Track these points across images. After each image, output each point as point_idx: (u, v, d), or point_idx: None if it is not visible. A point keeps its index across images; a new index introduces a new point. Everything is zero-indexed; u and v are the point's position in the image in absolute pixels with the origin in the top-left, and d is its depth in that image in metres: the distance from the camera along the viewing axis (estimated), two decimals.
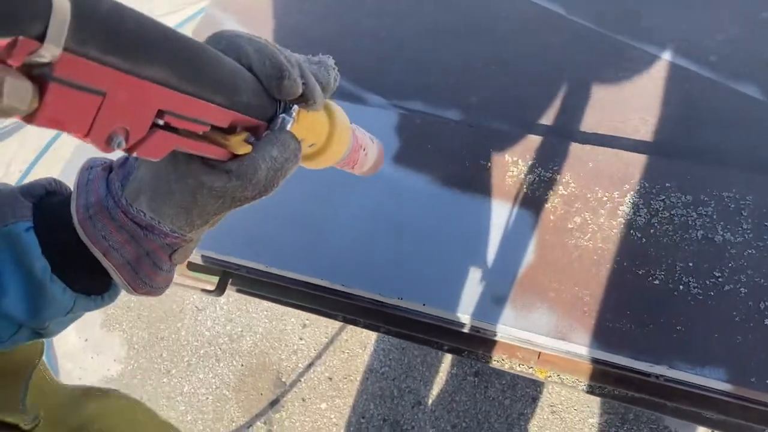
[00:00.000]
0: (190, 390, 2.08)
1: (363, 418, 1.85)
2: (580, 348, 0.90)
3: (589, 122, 1.11)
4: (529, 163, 1.04)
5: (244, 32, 0.42)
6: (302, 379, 1.98)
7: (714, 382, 0.84)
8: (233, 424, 1.98)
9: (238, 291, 1.18)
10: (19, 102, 0.25)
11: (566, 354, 0.95)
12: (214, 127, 0.39)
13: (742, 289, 0.88)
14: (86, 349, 2.27)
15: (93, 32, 0.27)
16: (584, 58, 1.18)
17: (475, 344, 1.05)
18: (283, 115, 0.44)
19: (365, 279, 1.00)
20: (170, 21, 2.99)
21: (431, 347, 1.11)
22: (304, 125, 0.47)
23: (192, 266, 1.17)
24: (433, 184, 1.05)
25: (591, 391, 1.02)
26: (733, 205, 0.94)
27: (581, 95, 1.14)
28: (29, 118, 0.27)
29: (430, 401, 1.80)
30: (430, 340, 1.08)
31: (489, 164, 1.05)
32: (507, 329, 0.93)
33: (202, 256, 1.10)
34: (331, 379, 1.95)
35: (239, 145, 0.41)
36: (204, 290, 1.11)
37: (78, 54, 0.27)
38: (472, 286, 0.96)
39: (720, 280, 0.90)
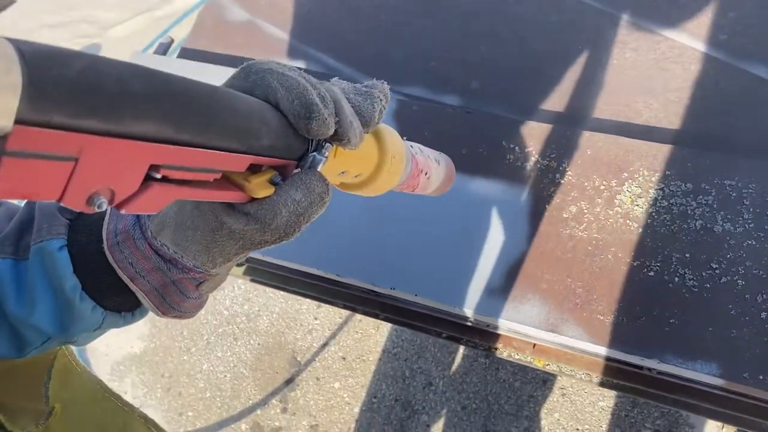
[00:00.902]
0: (209, 368, 2.14)
1: (375, 397, 1.87)
2: (570, 341, 0.89)
3: (591, 107, 1.08)
4: (526, 150, 1.02)
5: (277, 64, 0.39)
6: (316, 359, 2.01)
7: (705, 376, 0.83)
8: (250, 401, 2.03)
9: (242, 276, 1.20)
10: None
11: (558, 346, 0.94)
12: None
13: (739, 281, 0.86)
14: None
15: (57, 101, 0.24)
16: (588, 39, 1.14)
17: (472, 333, 1.05)
18: (314, 153, 0.40)
19: (359, 269, 1.01)
20: (180, 5, 3.00)
21: (430, 335, 1.11)
22: (344, 159, 0.45)
23: None
24: None
25: (589, 380, 1.02)
26: (734, 194, 0.91)
27: (584, 79, 1.11)
28: None
29: (441, 382, 1.81)
30: (428, 328, 1.09)
31: (485, 151, 1.03)
32: (498, 321, 0.93)
33: None
34: (344, 358, 1.98)
35: (259, 187, 0.38)
36: None
37: (37, 124, 0.24)
38: (464, 277, 0.96)
39: (717, 271, 0.87)
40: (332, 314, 2.07)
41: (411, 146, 0.57)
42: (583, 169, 0.98)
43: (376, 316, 1.12)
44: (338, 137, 0.40)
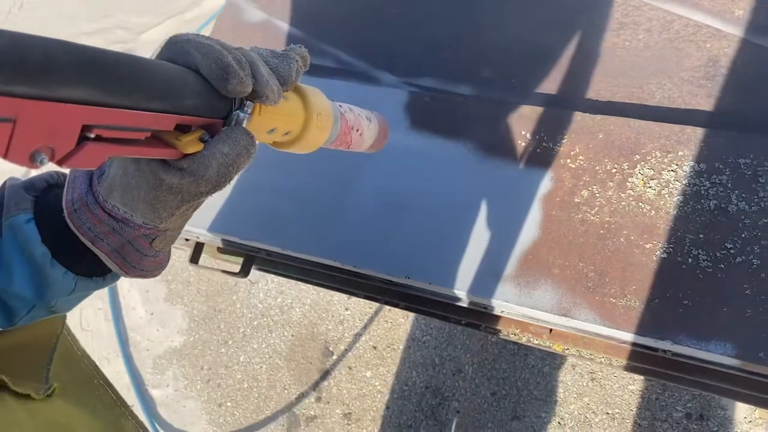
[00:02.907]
0: (246, 359, 2.20)
1: (406, 385, 1.90)
2: (584, 324, 0.90)
3: (603, 90, 1.08)
4: (538, 136, 1.03)
5: (195, 35, 0.43)
6: (348, 348, 2.05)
7: (720, 357, 0.82)
8: (285, 391, 2.09)
9: (264, 271, 1.23)
10: None
11: (574, 330, 0.95)
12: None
13: (754, 260, 0.85)
14: (152, 322, 2.43)
15: None
16: (600, 22, 1.13)
17: (490, 320, 1.06)
18: (237, 111, 0.45)
19: (375, 259, 1.03)
20: (209, 6, 3.06)
21: (449, 322, 1.13)
22: (270, 116, 0.49)
23: (221, 250, 1.24)
24: (440, 162, 1.06)
25: (609, 363, 1.02)
26: (749, 172, 0.90)
27: (596, 62, 1.10)
28: None
29: (470, 369, 1.83)
30: (448, 315, 1.10)
31: (496, 139, 1.04)
32: (511, 306, 0.94)
33: (225, 240, 1.16)
34: (375, 348, 2.01)
35: (189, 144, 0.43)
36: (229, 272, 1.18)
37: None
38: (477, 264, 0.97)
39: (732, 251, 0.87)
40: (363, 305, 2.11)
41: (340, 106, 0.62)
42: (594, 152, 0.98)
43: (396, 306, 1.15)
44: (257, 95, 0.45)
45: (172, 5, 3.21)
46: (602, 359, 1.01)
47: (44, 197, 0.51)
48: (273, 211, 1.11)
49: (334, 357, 2.06)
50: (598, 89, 1.08)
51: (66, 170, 0.43)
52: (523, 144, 1.03)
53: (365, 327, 2.06)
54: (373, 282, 1.10)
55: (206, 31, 2.89)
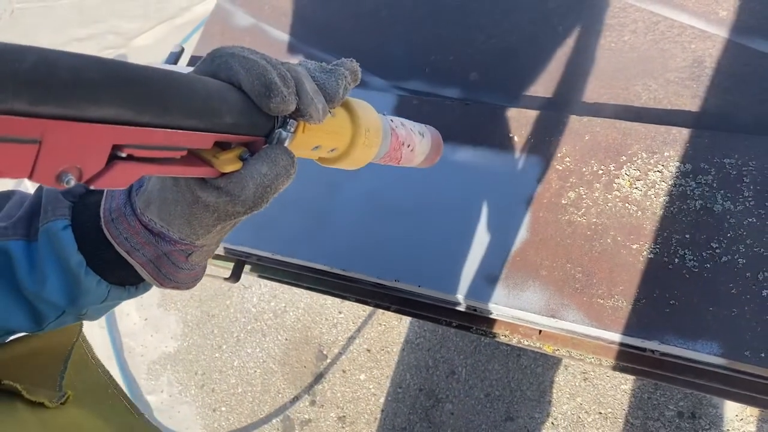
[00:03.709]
0: (240, 364, 2.20)
1: (400, 388, 1.90)
2: (572, 325, 0.90)
3: (589, 92, 1.08)
4: (525, 138, 1.03)
5: (241, 48, 0.42)
6: (342, 352, 2.05)
7: (707, 356, 0.83)
8: (279, 395, 2.08)
9: (258, 276, 1.23)
10: None
11: (562, 331, 0.95)
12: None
13: (740, 259, 0.86)
14: (146, 328, 2.43)
15: (15, 90, 0.27)
16: (585, 24, 1.14)
17: (480, 321, 1.06)
18: (279, 130, 0.43)
19: (364, 263, 1.03)
20: (200, 11, 3.06)
21: (440, 324, 1.13)
22: (315, 134, 0.47)
23: (213, 256, 1.24)
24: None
25: (599, 363, 1.02)
26: (734, 172, 0.91)
27: (582, 64, 1.11)
28: None
29: (464, 371, 1.83)
30: (438, 318, 1.11)
31: (484, 141, 1.05)
32: (500, 308, 0.95)
33: None
34: (369, 350, 2.01)
35: (227, 163, 0.41)
36: (220, 277, 1.18)
37: (0, 112, 0.26)
38: (466, 266, 0.97)
39: (717, 251, 0.87)
40: (356, 308, 2.11)
41: (392, 120, 0.60)
42: (581, 154, 0.99)
43: (387, 309, 1.15)
44: (300, 113, 0.43)
45: (163, 10, 3.21)
46: (592, 359, 1.01)
47: (81, 203, 0.50)
48: (263, 216, 1.11)
49: (328, 360, 2.06)
50: (585, 91, 1.09)
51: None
52: (510, 146, 1.03)
53: (359, 330, 2.06)
54: (363, 286, 1.11)
55: (196, 36, 2.89)
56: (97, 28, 3.34)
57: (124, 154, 0.34)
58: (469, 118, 1.08)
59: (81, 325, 0.67)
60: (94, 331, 2.47)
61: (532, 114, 1.04)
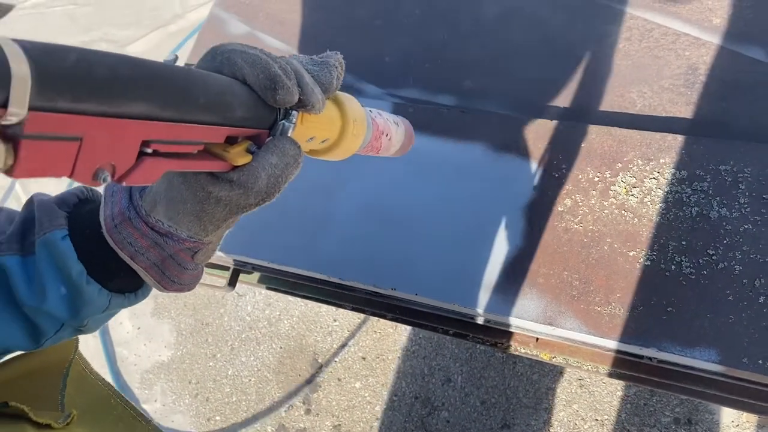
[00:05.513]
0: (234, 373, 2.18)
1: (395, 396, 1.89)
2: (569, 333, 0.90)
3: (584, 99, 1.09)
4: (520, 146, 1.03)
5: (239, 45, 0.43)
6: (337, 360, 2.04)
7: (704, 363, 0.83)
8: (274, 404, 2.07)
9: (254, 285, 1.23)
10: None
11: (559, 338, 0.95)
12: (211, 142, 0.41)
13: (736, 266, 0.86)
14: (139, 337, 2.41)
15: (59, 88, 0.28)
16: (579, 31, 1.14)
17: (477, 329, 1.06)
18: (283, 121, 0.45)
19: (360, 271, 1.03)
20: (194, 18, 3.06)
21: (437, 332, 1.13)
22: (311, 125, 0.49)
23: (207, 264, 1.23)
24: (424, 173, 1.06)
25: (596, 371, 1.02)
26: (730, 179, 0.91)
27: (576, 72, 1.11)
28: (8, 173, 0.28)
29: (459, 378, 1.83)
30: (435, 326, 1.10)
31: (479, 149, 1.05)
32: (497, 316, 0.94)
33: None
34: (364, 358, 2.00)
35: (238, 156, 0.43)
36: (216, 286, 1.17)
37: (46, 110, 0.28)
38: (462, 274, 0.97)
39: (714, 258, 0.87)
40: (351, 316, 2.10)
41: (370, 111, 0.62)
42: (577, 161, 0.99)
43: (383, 317, 1.14)
44: (303, 104, 0.45)
45: (156, 18, 3.20)
46: (589, 367, 1.01)
47: (76, 213, 0.50)
48: (258, 225, 1.11)
49: (324, 369, 2.05)
50: (580, 98, 1.09)
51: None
52: (506, 154, 1.03)
53: (354, 337, 2.05)
54: (359, 294, 1.10)
55: (190, 43, 2.89)
56: (90, 35, 3.33)
57: (150, 150, 0.35)
58: (464, 125, 1.08)
59: (77, 341, 0.66)
60: (87, 340, 2.45)
61: (528, 122, 1.04)
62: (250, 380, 2.15)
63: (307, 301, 2.16)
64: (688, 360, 0.84)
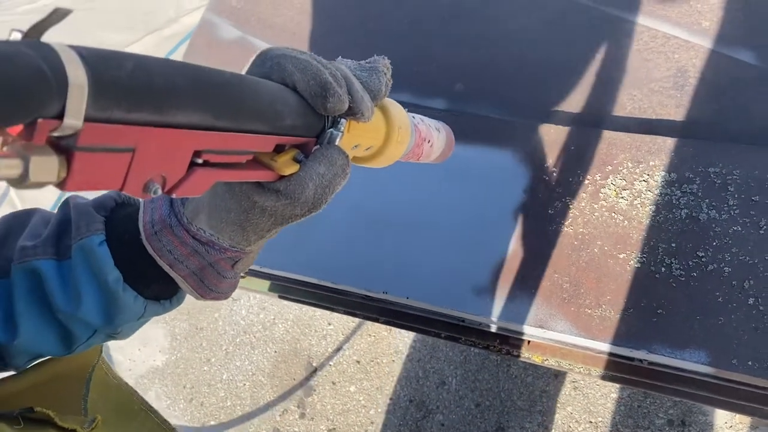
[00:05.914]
0: (229, 377, 2.18)
1: (390, 399, 1.89)
2: (560, 335, 0.90)
3: (574, 103, 1.09)
4: (510, 149, 1.03)
5: (290, 49, 0.42)
6: (332, 363, 2.04)
7: (694, 365, 0.83)
8: (269, 408, 2.07)
9: (244, 289, 1.22)
10: (47, 176, 0.25)
11: (551, 341, 0.95)
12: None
13: (726, 268, 0.86)
14: (133, 341, 2.40)
15: (116, 98, 0.27)
16: (568, 35, 1.15)
17: (469, 332, 1.06)
18: (331, 129, 0.43)
19: (352, 275, 1.03)
20: (188, 22, 3.06)
21: (429, 336, 1.13)
22: (357, 133, 0.47)
23: None
24: (416, 176, 1.06)
25: (588, 373, 1.02)
26: (719, 181, 0.91)
27: (565, 75, 1.11)
28: (60, 186, 0.27)
29: (454, 381, 1.83)
30: (427, 329, 1.10)
31: (471, 153, 1.05)
32: (488, 319, 0.94)
33: None
34: (359, 362, 2.00)
35: (285, 165, 0.41)
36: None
37: (101, 120, 0.26)
38: (453, 278, 0.97)
39: (703, 259, 0.88)
40: (346, 319, 2.10)
41: (413, 117, 0.60)
42: (567, 164, 0.99)
43: (376, 320, 1.14)
44: (352, 112, 0.43)
45: (150, 22, 3.20)
46: (581, 369, 1.01)
47: (114, 217, 0.49)
48: None
49: (318, 372, 2.05)
50: (570, 101, 1.10)
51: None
52: (497, 157, 1.03)
53: (348, 341, 2.05)
54: (351, 298, 1.10)
55: (183, 48, 2.89)
56: (84, 40, 3.32)
57: (201, 160, 0.34)
58: (455, 128, 1.08)
59: (101, 348, 0.65)
60: None
61: (518, 124, 1.05)
62: (244, 384, 2.15)
63: (302, 305, 2.16)
64: (678, 362, 0.84)
